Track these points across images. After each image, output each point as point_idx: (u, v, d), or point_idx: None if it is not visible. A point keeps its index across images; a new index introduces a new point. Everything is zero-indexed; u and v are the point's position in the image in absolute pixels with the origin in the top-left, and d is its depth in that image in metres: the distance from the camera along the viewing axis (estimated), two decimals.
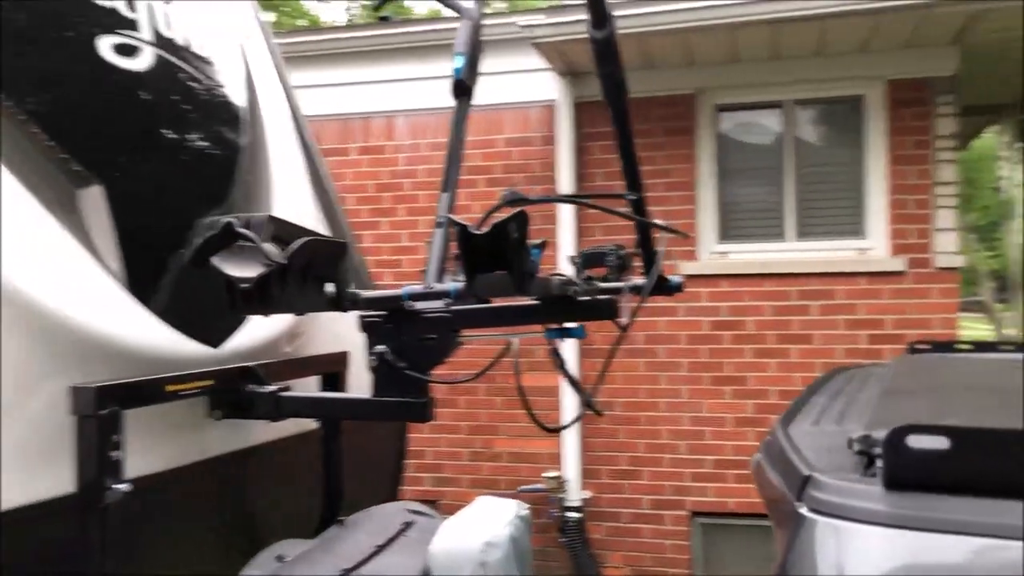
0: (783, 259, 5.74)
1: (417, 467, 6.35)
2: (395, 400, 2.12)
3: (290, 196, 2.82)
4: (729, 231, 5.91)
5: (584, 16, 5.44)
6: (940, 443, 0.97)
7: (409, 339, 2.06)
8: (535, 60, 5.77)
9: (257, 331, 2.44)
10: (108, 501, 1.76)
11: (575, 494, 5.93)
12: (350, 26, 7.65)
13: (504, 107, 6.14)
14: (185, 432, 2.20)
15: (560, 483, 5.96)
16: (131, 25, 2.37)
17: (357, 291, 1.90)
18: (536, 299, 2.00)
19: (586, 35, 5.55)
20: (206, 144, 2.57)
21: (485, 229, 1.50)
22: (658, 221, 1.93)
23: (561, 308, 1.95)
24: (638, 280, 2.15)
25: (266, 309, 1.61)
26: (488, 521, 2.05)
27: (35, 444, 1.76)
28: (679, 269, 5.84)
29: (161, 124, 2.38)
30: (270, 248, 1.53)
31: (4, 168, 1.82)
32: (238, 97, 2.76)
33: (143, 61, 2.36)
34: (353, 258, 3.42)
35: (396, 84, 6.34)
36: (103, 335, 1.93)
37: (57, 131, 2.01)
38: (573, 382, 2.10)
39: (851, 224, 5.68)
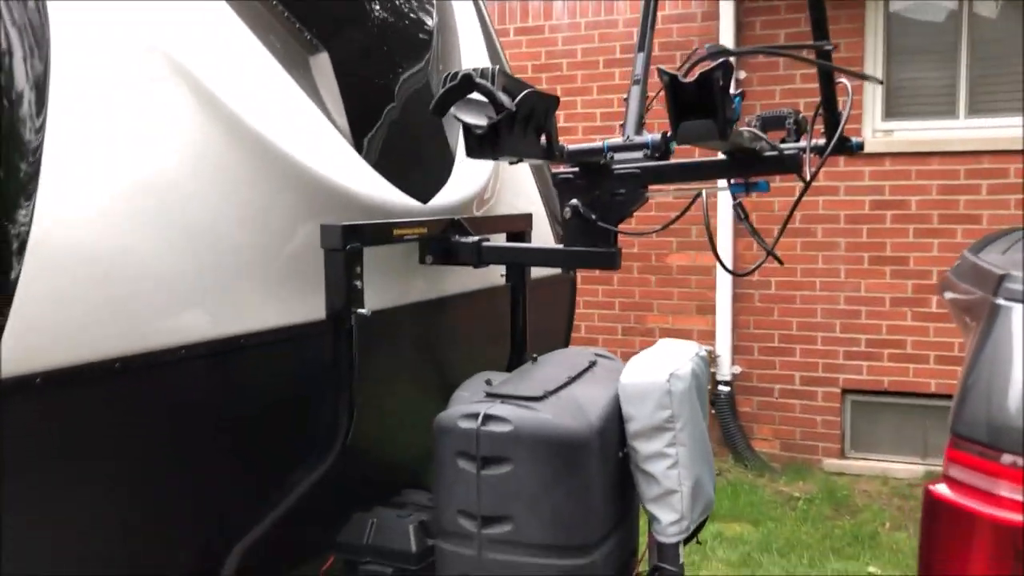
0: (952, 137, 5.57)
1: (572, 341, 6.65)
2: (586, 250, 2.34)
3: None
4: (896, 108, 5.76)
5: None
6: None
7: (600, 193, 2.26)
8: None
9: (457, 192, 2.70)
10: (353, 324, 2.07)
11: (726, 368, 6.09)
12: None
13: None
14: (405, 277, 2.52)
15: (711, 357, 6.14)
16: None
17: (563, 144, 2.10)
18: (723, 154, 2.15)
19: None
20: (407, 23, 2.82)
21: (692, 78, 1.65)
22: (853, 69, 2.01)
23: (746, 162, 2.08)
24: (819, 140, 2.24)
25: (496, 153, 1.83)
26: (673, 357, 2.27)
27: (294, 275, 2.09)
28: None
29: (373, 6, 2.64)
30: (503, 96, 1.73)
31: (255, 37, 2.09)
32: None
33: None
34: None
35: None
36: (340, 185, 2.22)
37: (291, 4, 2.27)
38: (755, 232, 2.25)
39: None
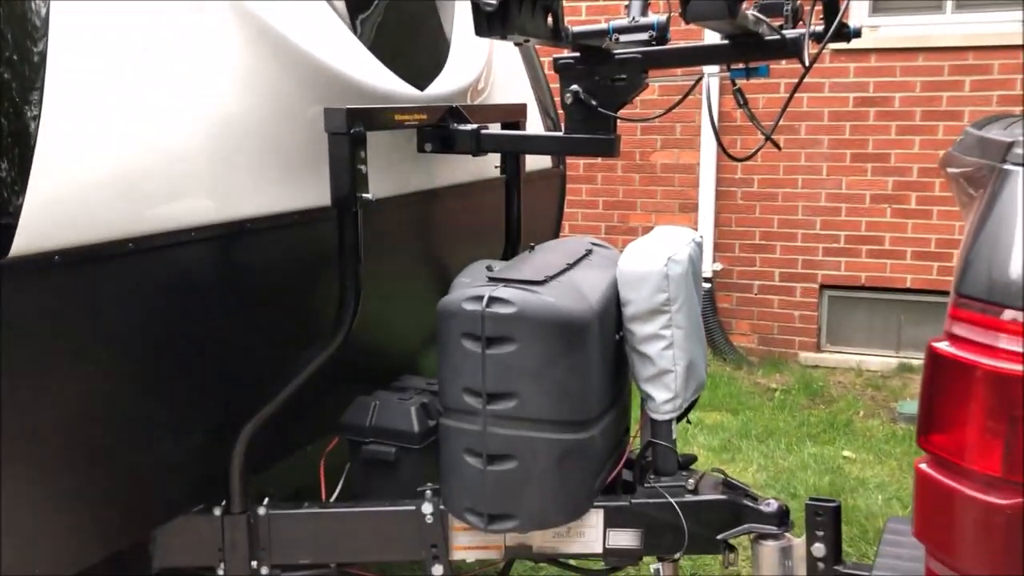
0: (939, 33, 5.56)
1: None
2: (584, 136, 2.36)
3: None
4: (883, 4, 5.73)
5: None
6: None
7: (600, 79, 2.27)
8: None
9: (453, 80, 2.69)
10: (358, 208, 2.10)
11: (707, 266, 6.18)
12: None
13: None
14: (403, 166, 2.53)
15: None
16: None
17: (568, 25, 2.10)
18: (722, 38, 2.15)
19: None
20: None
21: None
22: None
23: (748, 46, 2.09)
24: (817, 27, 2.26)
25: (505, 31, 1.83)
26: (670, 242, 2.32)
27: (300, 161, 2.10)
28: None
29: None
30: None
31: None
32: None
33: None
34: None
35: None
36: (341, 70, 2.21)
37: None
38: (753, 118, 2.28)
39: None
